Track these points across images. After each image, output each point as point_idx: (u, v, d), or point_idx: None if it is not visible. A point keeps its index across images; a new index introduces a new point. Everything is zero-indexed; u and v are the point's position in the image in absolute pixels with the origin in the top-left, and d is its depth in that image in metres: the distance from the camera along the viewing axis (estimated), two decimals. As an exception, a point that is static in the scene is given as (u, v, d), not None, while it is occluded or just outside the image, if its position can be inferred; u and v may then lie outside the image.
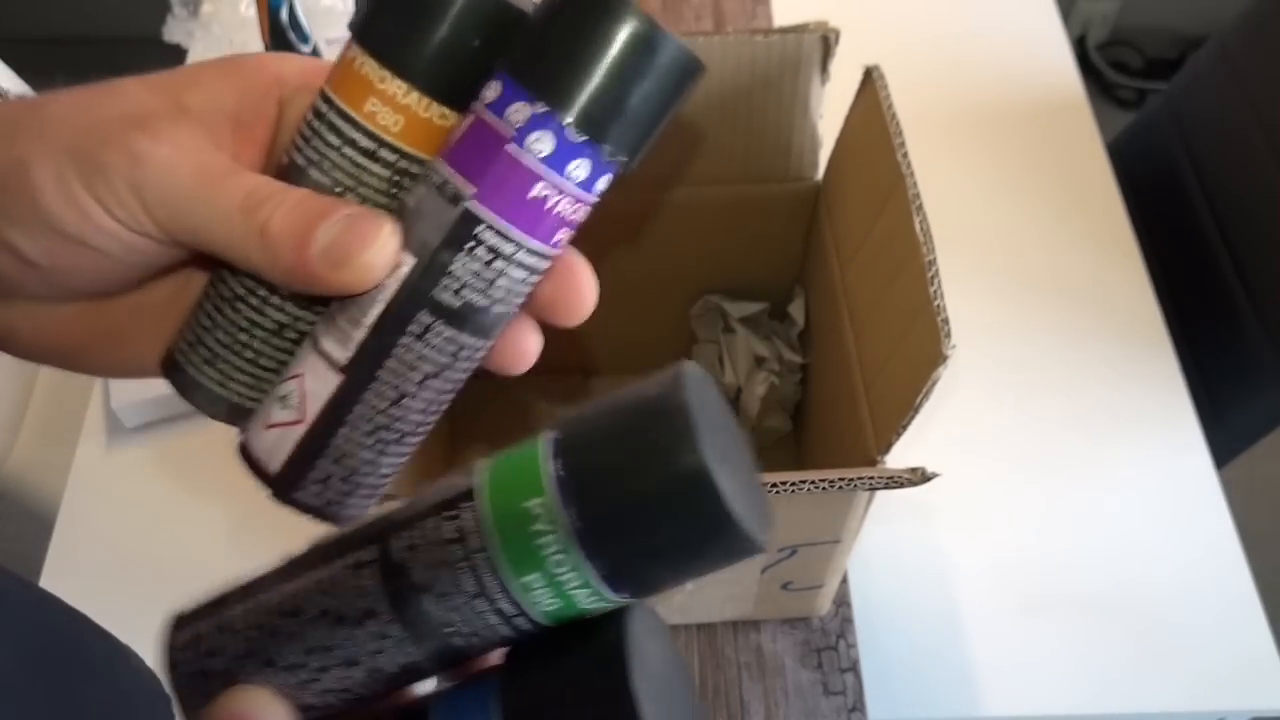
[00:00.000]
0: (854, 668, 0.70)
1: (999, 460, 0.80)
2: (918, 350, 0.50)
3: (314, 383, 0.27)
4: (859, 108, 0.63)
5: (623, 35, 0.23)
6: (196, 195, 0.26)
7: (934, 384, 0.47)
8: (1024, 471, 0.80)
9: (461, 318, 0.26)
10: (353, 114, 0.26)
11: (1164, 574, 0.75)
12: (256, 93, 0.29)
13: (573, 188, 0.25)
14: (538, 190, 0.24)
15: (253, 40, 0.96)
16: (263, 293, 0.28)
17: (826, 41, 0.63)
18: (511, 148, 0.24)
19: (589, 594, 0.22)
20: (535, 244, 0.25)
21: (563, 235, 0.26)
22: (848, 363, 0.62)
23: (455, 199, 0.25)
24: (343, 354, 0.26)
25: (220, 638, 0.26)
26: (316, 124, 0.27)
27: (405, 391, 0.26)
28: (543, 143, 0.24)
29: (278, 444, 0.27)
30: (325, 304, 0.27)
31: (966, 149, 0.98)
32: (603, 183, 0.25)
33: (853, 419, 0.59)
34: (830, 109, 0.66)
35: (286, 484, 0.27)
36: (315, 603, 0.24)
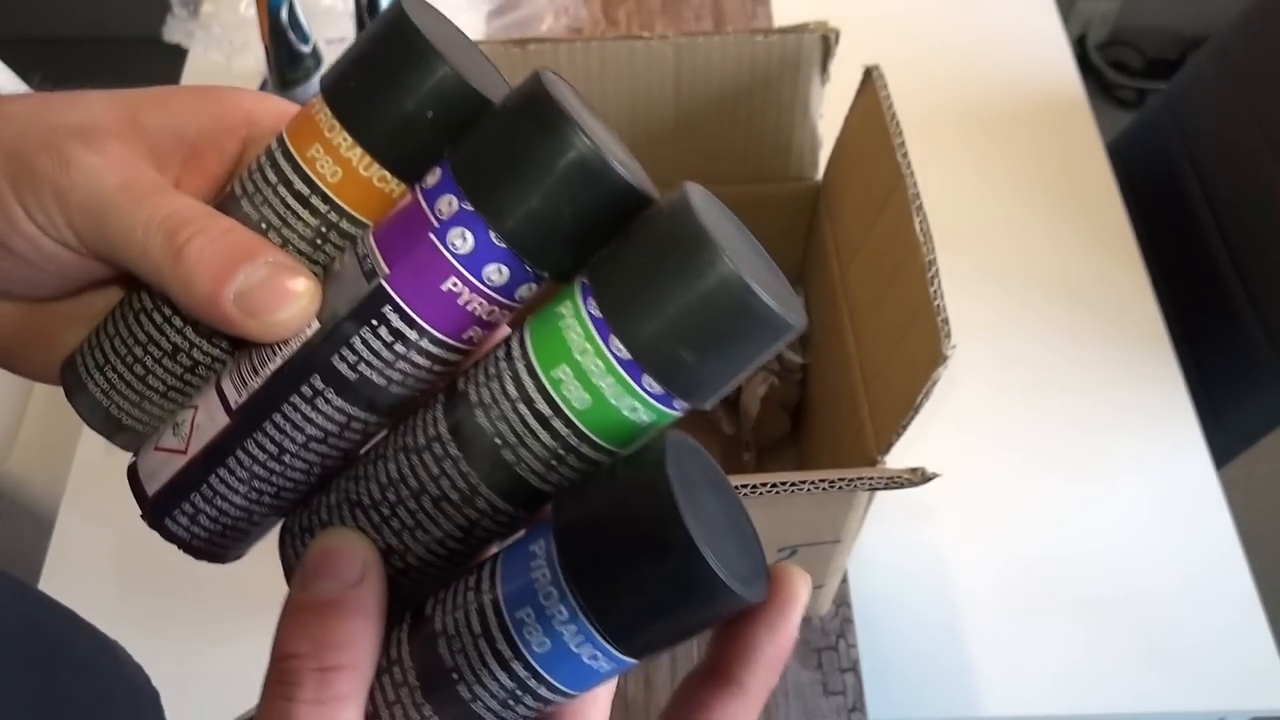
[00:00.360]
0: (854, 668, 0.70)
1: (999, 460, 0.80)
2: (918, 350, 0.50)
3: (205, 418, 0.27)
4: (859, 108, 0.63)
5: (562, 156, 0.23)
6: (117, 204, 0.25)
7: (934, 384, 0.47)
8: (1024, 472, 0.80)
9: (354, 391, 0.26)
10: (296, 156, 0.26)
11: (1164, 574, 0.75)
12: (222, 125, 0.28)
13: (488, 290, 0.25)
14: (450, 285, 0.24)
15: (253, 40, 0.96)
16: (166, 311, 0.28)
17: (826, 41, 0.63)
18: (432, 238, 0.24)
19: (614, 384, 0.23)
20: (439, 335, 0.25)
21: (474, 333, 0.25)
22: (848, 363, 0.62)
23: (370, 275, 0.25)
24: (236, 398, 0.26)
25: (322, 497, 0.27)
26: (263, 159, 0.27)
27: (286, 449, 0.26)
28: (463, 240, 0.24)
29: (159, 469, 0.28)
30: (225, 336, 0.28)
31: (966, 149, 0.98)
32: (525, 290, 0.25)
33: (853, 419, 0.59)
34: (830, 109, 0.66)
35: (158, 510, 0.28)
36: (392, 443, 0.26)
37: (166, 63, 1.05)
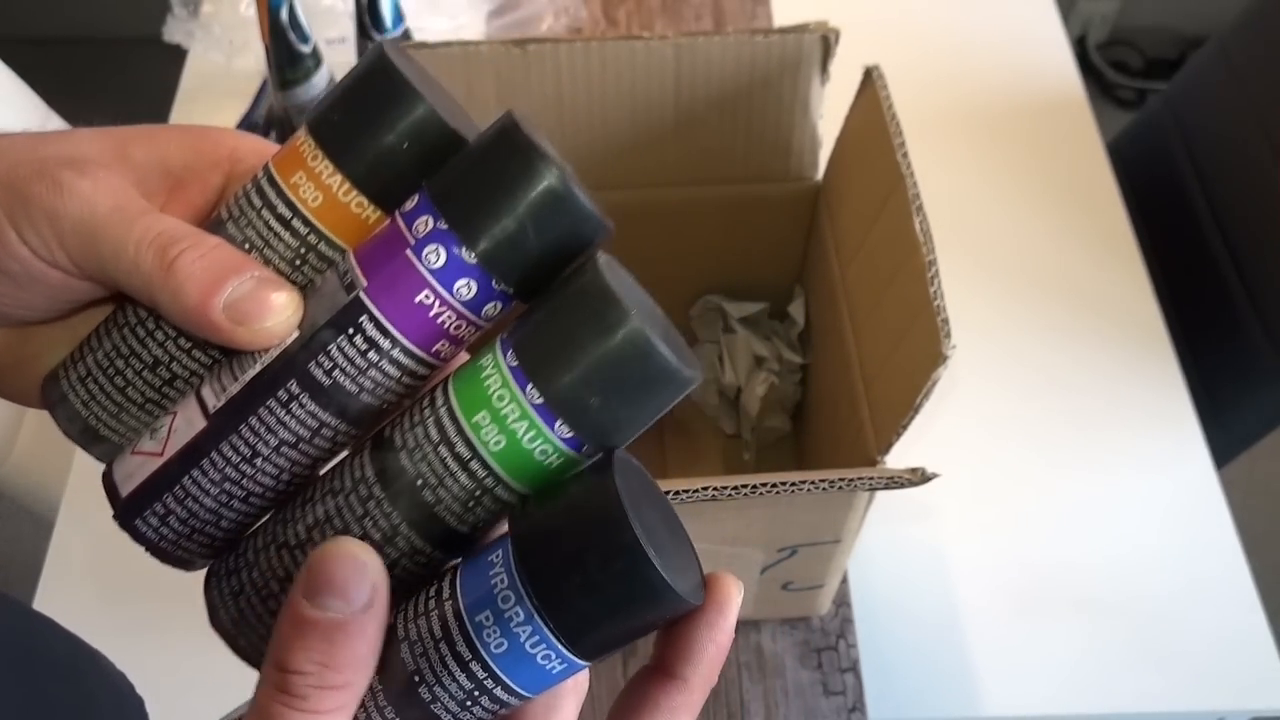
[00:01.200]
0: (854, 668, 0.70)
1: (999, 460, 0.80)
2: (918, 350, 0.50)
3: (183, 423, 0.29)
4: (859, 108, 0.63)
5: (530, 184, 0.26)
6: (109, 223, 0.27)
7: (934, 384, 0.47)
8: (1024, 472, 0.80)
9: (327, 396, 0.27)
10: (279, 181, 0.28)
11: (1164, 574, 0.75)
12: (206, 160, 0.30)
13: (458, 304, 0.26)
14: (423, 297, 0.26)
15: (253, 40, 0.96)
16: (150, 325, 0.29)
17: (826, 41, 0.63)
18: (409, 253, 0.26)
19: (528, 428, 0.25)
20: (411, 346, 0.27)
21: (443, 347, 0.27)
22: (848, 363, 0.62)
23: (350, 288, 0.27)
24: (215, 403, 0.28)
25: (249, 541, 0.29)
26: (248, 186, 0.29)
27: (260, 452, 0.28)
28: (436, 256, 0.26)
29: (135, 471, 0.29)
30: (203, 350, 0.29)
31: (967, 149, 0.98)
32: (491, 308, 0.27)
33: (853, 419, 0.59)
34: (830, 109, 0.66)
35: (130, 510, 0.29)
36: (319, 487, 0.28)
37: (166, 62, 1.05)
